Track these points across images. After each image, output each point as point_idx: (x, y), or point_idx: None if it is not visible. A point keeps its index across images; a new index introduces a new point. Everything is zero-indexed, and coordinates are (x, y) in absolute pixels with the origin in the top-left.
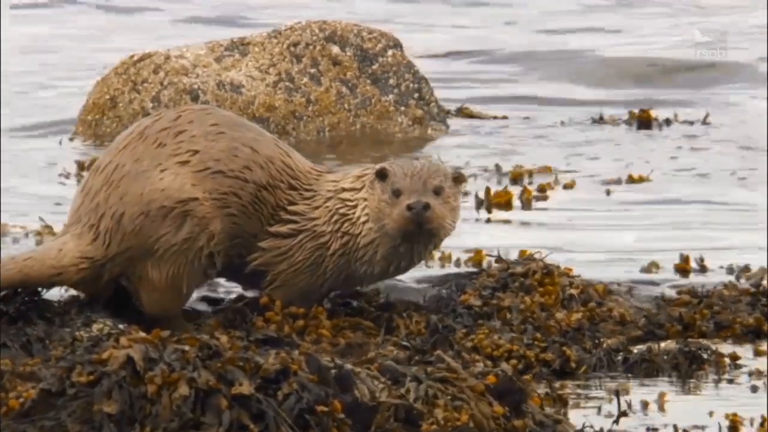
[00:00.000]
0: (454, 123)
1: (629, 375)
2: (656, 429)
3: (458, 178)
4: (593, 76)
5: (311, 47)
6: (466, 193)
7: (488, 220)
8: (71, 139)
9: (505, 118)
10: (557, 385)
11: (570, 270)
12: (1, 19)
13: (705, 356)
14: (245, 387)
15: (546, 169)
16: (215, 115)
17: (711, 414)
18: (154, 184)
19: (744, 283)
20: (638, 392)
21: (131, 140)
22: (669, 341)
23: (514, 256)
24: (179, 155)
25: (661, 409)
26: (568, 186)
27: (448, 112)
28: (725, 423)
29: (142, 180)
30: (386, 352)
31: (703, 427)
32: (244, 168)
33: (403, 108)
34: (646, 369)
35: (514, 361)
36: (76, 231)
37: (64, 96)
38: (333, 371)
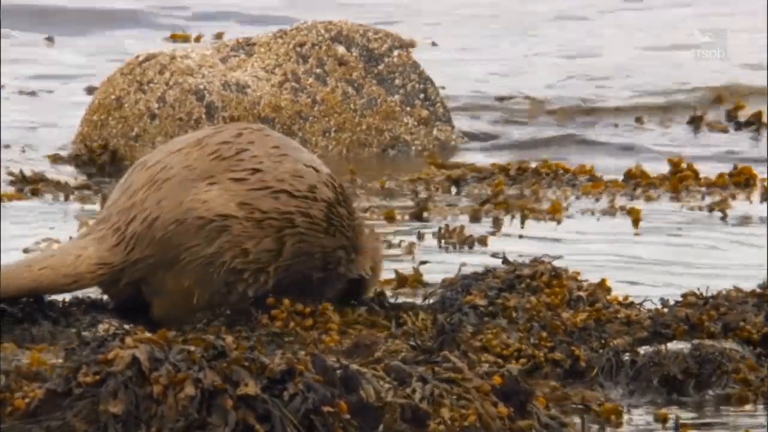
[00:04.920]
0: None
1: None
2: None
3: None
4: None
5: (317, 47)
6: None
7: None
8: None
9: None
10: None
11: (578, 273)
12: (1, 23)
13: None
14: (251, 387)
15: None
16: (274, 137)
17: None
18: (197, 195)
19: None
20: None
21: (186, 145)
22: (676, 342)
23: None
24: (235, 172)
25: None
26: None
27: None
28: None
29: (186, 188)
30: (395, 347)
31: None
32: (312, 188)
33: (408, 108)
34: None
35: (523, 360)
36: (99, 233)
37: None
38: (338, 371)
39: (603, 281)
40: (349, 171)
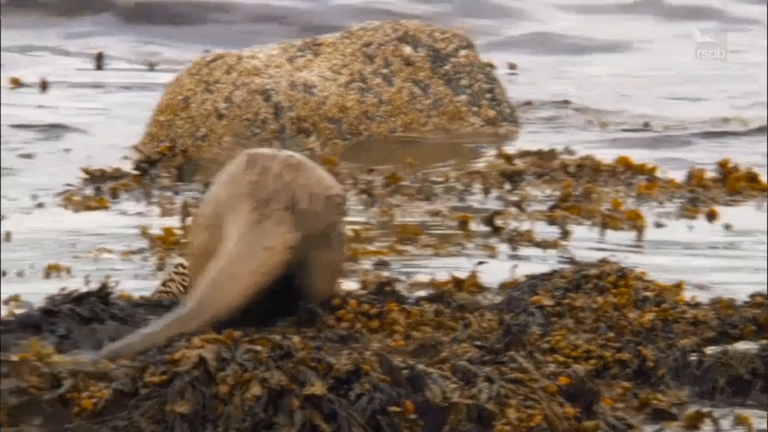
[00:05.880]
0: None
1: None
2: None
3: None
4: None
5: (384, 47)
6: None
7: None
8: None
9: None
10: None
11: (644, 273)
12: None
13: None
14: (317, 387)
15: None
16: None
17: None
18: (326, 176)
19: None
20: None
21: (274, 151)
22: (743, 342)
23: None
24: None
25: None
26: None
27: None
28: None
29: (317, 170)
30: (460, 350)
31: None
32: None
33: (475, 108)
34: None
35: (593, 361)
36: (274, 218)
37: None
38: (405, 371)
39: (680, 284)
40: (408, 163)
